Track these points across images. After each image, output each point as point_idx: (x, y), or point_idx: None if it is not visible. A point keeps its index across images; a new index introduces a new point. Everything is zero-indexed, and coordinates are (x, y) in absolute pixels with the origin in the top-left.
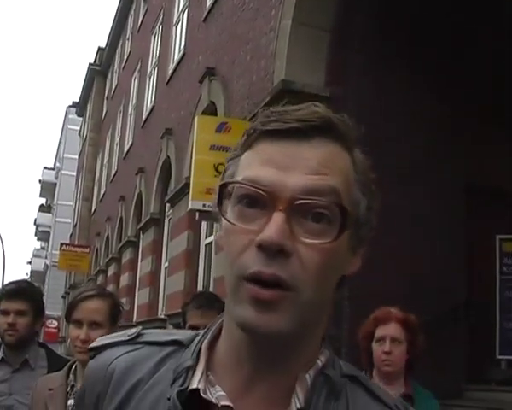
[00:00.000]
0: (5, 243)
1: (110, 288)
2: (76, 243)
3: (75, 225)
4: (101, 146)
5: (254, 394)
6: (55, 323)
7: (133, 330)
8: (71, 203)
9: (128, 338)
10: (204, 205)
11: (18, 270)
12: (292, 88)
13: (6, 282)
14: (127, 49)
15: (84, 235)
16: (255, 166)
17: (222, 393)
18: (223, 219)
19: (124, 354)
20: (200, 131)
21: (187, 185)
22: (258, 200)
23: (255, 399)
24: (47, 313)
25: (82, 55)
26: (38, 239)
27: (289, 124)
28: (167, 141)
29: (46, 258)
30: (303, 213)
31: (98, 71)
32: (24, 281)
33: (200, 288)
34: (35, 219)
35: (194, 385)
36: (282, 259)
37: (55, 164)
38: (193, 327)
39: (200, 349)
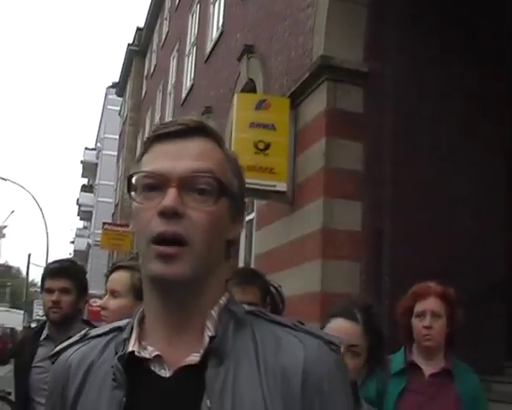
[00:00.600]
0: (48, 223)
1: None
2: (118, 222)
3: (117, 205)
4: (142, 126)
5: (176, 341)
6: (99, 301)
7: (82, 332)
8: (112, 183)
9: (78, 338)
10: None
11: (61, 250)
12: (331, 64)
13: (50, 261)
14: (165, 29)
15: (125, 214)
16: (152, 162)
17: (152, 348)
18: (134, 204)
19: (76, 350)
20: (240, 108)
21: None
22: (157, 184)
23: (178, 344)
24: (90, 291)
25: (121, 36)
26: (81, 219)
27: (174, 127)
28: (207, 119)
29: (89, 237)
30: (190, 189)
31: (137, 51)
32: (67, 260)
33: (241, 265)
34: (77, 200)
35: (129, 349)
36: (177, 219)
37: (96, 144)
38: None
39: (132, 326)
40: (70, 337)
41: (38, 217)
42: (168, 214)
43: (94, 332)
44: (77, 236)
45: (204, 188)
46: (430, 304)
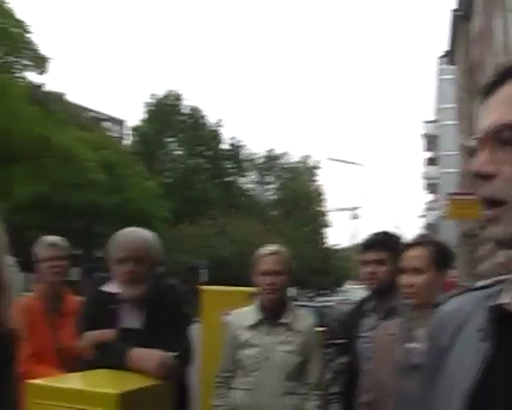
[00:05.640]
0: (395, 199)
1: None
2: (463, 191)
3: (462, 174)
4: (476, 91)
5: None
6: (455, 272)
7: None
8: (455, 153)
9: (458, 292)
10: None
11: (412, 224)
12: None
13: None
14: None
15: (470, 182)
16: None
17: None
18: None
19: (452, 301)
20: None
21: None
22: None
23: None
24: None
25: (443, 4)
26: (429, 192)
27: (487, 79)
28: None
29: (437, 210)
30: (504, 143)
31: (461, 16)
32: (382, 232)
33: None
34: (422, 173)
35: (499, 300)
36: (488, 181)
37: (434, 116)
38: None
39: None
40: (391, 308)
41: (385, 195)
42: (478, 177)
43: (477, 284)
44: (427, 209)
45: None
46: None
